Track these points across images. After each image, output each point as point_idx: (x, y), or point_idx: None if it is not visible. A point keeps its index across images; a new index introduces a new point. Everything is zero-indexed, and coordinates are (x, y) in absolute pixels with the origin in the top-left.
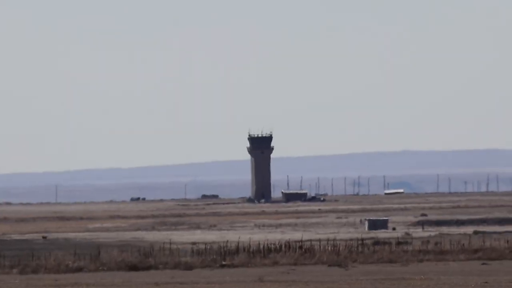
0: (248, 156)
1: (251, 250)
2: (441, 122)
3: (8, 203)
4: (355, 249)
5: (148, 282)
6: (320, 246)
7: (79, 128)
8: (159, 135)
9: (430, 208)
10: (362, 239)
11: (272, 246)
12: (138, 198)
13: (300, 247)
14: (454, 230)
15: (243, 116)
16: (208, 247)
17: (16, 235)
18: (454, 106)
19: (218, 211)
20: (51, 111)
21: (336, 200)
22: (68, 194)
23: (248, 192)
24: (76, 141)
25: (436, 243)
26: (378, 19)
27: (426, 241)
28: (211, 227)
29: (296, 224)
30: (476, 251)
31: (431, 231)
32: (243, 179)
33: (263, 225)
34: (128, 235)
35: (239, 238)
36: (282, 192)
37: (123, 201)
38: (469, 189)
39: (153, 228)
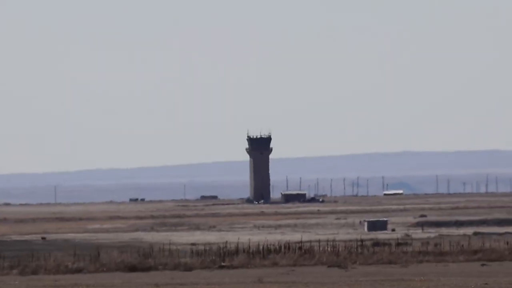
0: (247, 157)
1: (250, 251)
2: (441, 122)
3: (7, 204)
4: (355, 250)
5: (148, 283)
6: (319, 247)
7: (79, 128)
8: (159, 135)
9: (430, 209)
10: (362, 240)
11: (272, 247)
12: (137, 199)
13: (300, 248)
14: (453, 231)
15: (242, 117)
16: (208, 248)
17: (16, 236)
18: (454, 106)
19: (218, 212)
20: (51, 111)
21: (335, 201)
22: (67, 194)
23: (247, 193)
24: (76, 141)
25: (435, 244)
26: (378, 19)
27: (425, 242)
28: (211, 228)
29: (295, 225)
30: (475, 252)
31: (430, 232)
32: (242, 180)
33: (263, 226)
34: (127, 236)
35: (238, 239)
36: (281, 193)
37: (123, 202)
38: (468, 190)
39: (152, 229)
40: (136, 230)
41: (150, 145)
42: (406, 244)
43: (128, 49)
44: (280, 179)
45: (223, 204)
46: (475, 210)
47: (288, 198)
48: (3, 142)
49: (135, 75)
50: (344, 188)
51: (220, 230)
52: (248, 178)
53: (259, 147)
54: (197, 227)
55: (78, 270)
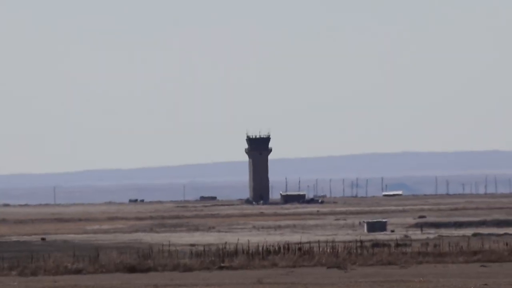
0: (246, 158)
1: (250, 252)
2: (440, 123)
3: (7, 205)
4: (354, 251)
5: (147, 284)
6: (319, 248)
7: (79, 128)
8: (159, 135)
9: (429, 210)
10: (361, 241)
11: (271, 248)
12: (137, 200)
13: (299, 249)
14: (453, 232)
15: (241, 117)
16: (207, 249)
17: (15, 236)
18: (454, 106)
19: (217, 212)
20: (51, 111)
21: (334, 201)
22: (67, 195)
23: (247, 193)
24: (76, 141)
25: (435, 245)
26: (378, 19)
27: (425, 243)
28: (210, 228)
29: (294, 226)
30: (475, 253)
31: (430, 233)
32: (241, 181)
33: (262, 227)
34: (126, 237)
35: (237, 240)
36: (281, 194)
37: (122, 203)
38: (467, 191)
39: (151, 229)
40: (136, 231)
41: (150, 145)
42: (405, 245)
43: (128, 49)
44: (279, 179)
45: (222, 205)
46: (475, 211)
47: (287, 199)
48: (3, 142)
49: (135, 75)
50: (343, 188)
51: (219, 231)
52: (247, 178)
53: (258, 147)
54: (197, 228)
55: (78, 271)
